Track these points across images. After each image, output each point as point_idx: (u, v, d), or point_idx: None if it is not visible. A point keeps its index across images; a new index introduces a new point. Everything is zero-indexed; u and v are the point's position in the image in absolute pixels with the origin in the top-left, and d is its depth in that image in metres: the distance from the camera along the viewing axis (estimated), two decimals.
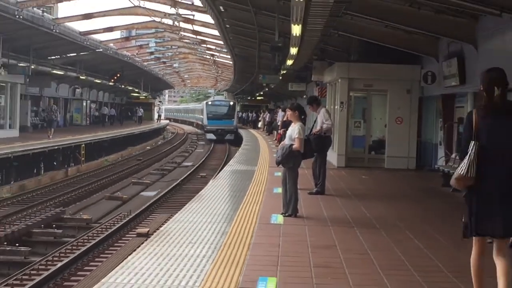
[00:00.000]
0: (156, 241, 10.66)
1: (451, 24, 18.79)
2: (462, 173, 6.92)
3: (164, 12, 41.33)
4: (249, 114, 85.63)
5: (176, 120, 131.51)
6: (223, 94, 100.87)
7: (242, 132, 65.02)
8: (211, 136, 74.06)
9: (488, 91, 7.08)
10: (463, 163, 6.95)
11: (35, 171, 34.42)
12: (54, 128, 40.71)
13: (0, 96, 41.23)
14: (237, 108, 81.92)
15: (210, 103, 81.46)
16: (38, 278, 14.64)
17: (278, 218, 13.01)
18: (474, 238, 7.06)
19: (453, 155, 20.02)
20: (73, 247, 17.90)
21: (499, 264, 6.83)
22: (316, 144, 16.01)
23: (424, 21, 19.37)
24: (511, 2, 14.54)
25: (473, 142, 6.93)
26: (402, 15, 19.33)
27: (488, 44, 17.57)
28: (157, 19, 44.54)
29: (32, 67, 44.55)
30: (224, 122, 73.94)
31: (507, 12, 14.94)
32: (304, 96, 44.63)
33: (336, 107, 25.41)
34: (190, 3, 36.08)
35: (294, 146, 13.26)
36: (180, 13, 39.83)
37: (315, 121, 17.48)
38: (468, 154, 6.90)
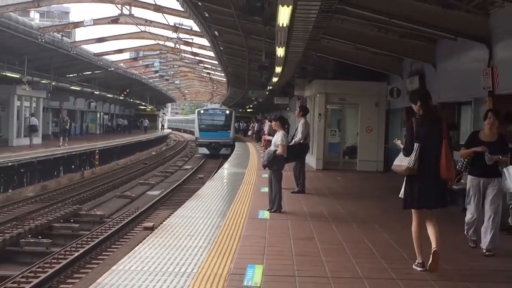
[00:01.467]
0: (159, 234, 10.67)
1: (413, 47, 18.85)
2: (410, 165, 8.31)
3: (167, 36, 41.30)
4: (240, 124, 76.85)
5: (178, 130, 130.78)
6: (219, 103, 76.09)
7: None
8: (203, 150, 54.00)
9: (424, 105, 8.57)
10: (410, 158, 8.33)
11: (55, 173, 34.31)
12: (66, 136, 40.41)
13: (25, 109, 41.07)
14: (234, 118, 58.66)
15: (202, 111, 57.97)
16: (57, 266, 14.62)
17: (264, 214, 13.02)
18: (414, 212, 8.59)
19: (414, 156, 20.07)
20: (88, 239, 17.87)
21: (430, 228, 8.44)
22: (296, 150, 16.17)
23: (391, 44, 19.41)
24: (464, 29, 14.61)
25: (417, 144, 8.29)
26: (371, 39, 19.38)
27: (445, 64, 17.61)
28: (161, 42, 44.50)
29: (53, 83, 44.56)
30: (219, 134, 53.08)
31: (461, 37, 15.01)
32: (288, 109, 44.67)
33: (314, 117, 25.46)
34: (189, 28, 36.04)
35: (277, 152, 13.33)
36: (181, 37, 39.90)
37: (296, 129, 17.52)
38: (414, 152, 8.29)
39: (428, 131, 8.37)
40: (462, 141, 17.36)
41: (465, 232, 9.95)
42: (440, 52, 17.88)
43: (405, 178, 8.61)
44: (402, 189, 8.69)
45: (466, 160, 9.43)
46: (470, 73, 15.27)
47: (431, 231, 8.41)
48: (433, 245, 8.19)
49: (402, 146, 8.68)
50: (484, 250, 9.41)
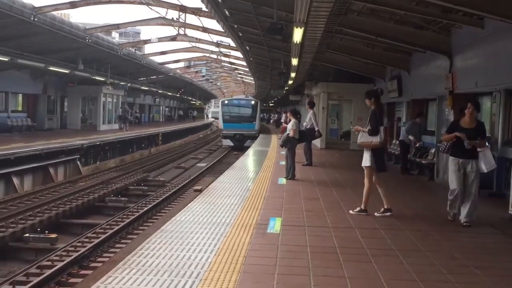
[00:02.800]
0: (206, 195, 10.74)
1: (393, 58, 18.71)
2: (380, 141, 8.99)
3: (211, 50, 41.28)
4: (265, 115, 76.00)
5: (217, 119, 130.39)
6: (245, 94, 63.46)
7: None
8: (227, 142, 39.26)
9: (376, 100, 9.25)
10: (379, 137, 8.98)
11: (130, 150, 34.63)
12: (127, 123, 40.29)
13: (109, 103, 41.50)
14: (259, 108, 42.88)
15: (227, 102, 42.68)
16: (132, 217, 14.81)
17: (282, 180, 13.04)
18: (369, 171, 9.12)
19: (394, 141, 19.99)
20: (154, 199, 18.04)
21: (380, 188, 9.11)
22: (307, 134, 16.24)
23: (376, 56, 19.30)
24: (431, 44, 14.47)
25: (382, 127, 9.13)
26: (362, 52, 19.26)
27: (416, 70, 17.50)
28: (207, 55, 44.48)
29: (128, 84, 44.90)
30: (244, 126, 38.60)
31: (429, 50, 14.88)
32: (300, 104, 44.51)
33: (320, 109, 25.47)
34: (228, 44, 35.98)
35: (290, 134, 13.47)
36: (221, 51, 39.87)
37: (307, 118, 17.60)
38: (380, 132, 9.01)
39: (383, 119, 9.45)
40: (430, 127, 17.30)
41: (448, 208, 8.77)
42: (413, 62, 17.75)
43: (371, 151, 9.06)
44: (367, 161, 9.11)
45: (448, 143, 8.68)
46: (435, 77, 15.17)
47: (381, 190, 9.14)
48: (386, 203, 9.09)
49: (362, 130, 9.26)
50: (462, 221, 8.45)
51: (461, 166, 8.47)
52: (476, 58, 12.52)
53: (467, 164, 8.45)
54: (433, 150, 14.83)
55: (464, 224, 8.40)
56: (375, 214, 9.09)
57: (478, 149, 8.48)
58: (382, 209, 9.11)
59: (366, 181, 9.16)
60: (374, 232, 7.91)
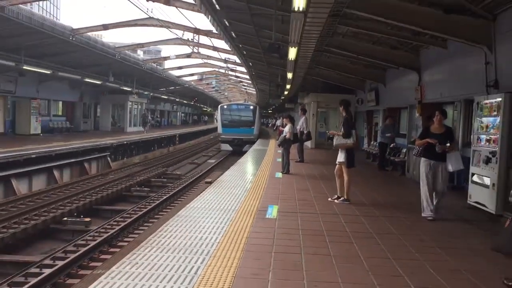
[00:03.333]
0: (214, 186, 10.73)
1: (372, 73, 18.69)
2: (353, 142, 9.13)
3: (220, 66, 41.19)
4: (264, 120, 75.95)
5: None
6: (244, 99, 57.44)
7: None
8: (226, 146, 33.97)
9: (346, 108, 9.46)
10: (352, 139, 9.12)
11: (152, 148, 34.64)
12: (146, 126, 40.07)
13: (134, 109, 41.51)
14: (258, 113, 36.40)
15: (225, 107, 36.74)
16: (153, 204, 14.81)
17: (279, 174, 13.02)
18: (349, 170, 9.18)
19: (372, 142, 19.97)
20: (172, 189, 18.05)
21: (346, 180, 9.15)
22: (299, 136, 16.23)
23: (357, 71, 19.27)
24: (403, 62, 14.49)
25: (353, 130, 9.24)
26: (346, 67, 19.22)
27: (391, 84, 17.49)
28: (217, 69, 44.44)
29: (151, 94, 44.82)
30: (243, 130, 33.66)
31: (402, 67, 14.89)
32: (294, 111, 44.45)
33: (311, 116, 25.43)
34: (234, 61, 35.90)
35: (286, 136, 13.45)
36: (229, 66, 39.82)
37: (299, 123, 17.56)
38: (352, 135, 9.14)
39: (354, 123, 9.68)
40: (402, 131, 17.29)
41: (422, 210, 8.12)
42: (388, 76, 17.74)
43: (345, 150, 9.19)
44: (341, 158, 9.21)
45: (420, 148, 8.15)
46: (406, 89, 15.16)
47: (346, 180, 9.19)
48: (346, 193, 9.21)
49: (337, 133, 9.35)
50: (429, 218, 7.96)
51: (432, 167, 8.07)
52: (440, 73, 12.53)
53: (437, 166, 8.06)
54: (404, 150, 14.82)
55: (429, 219, 7.94)
56: (331, 199, 9.29)
57: (447, 151, 8.11)
58: (342, 198, 9.21)
59: (345, 175, 9.18)
60: (355, 218, 7.90)
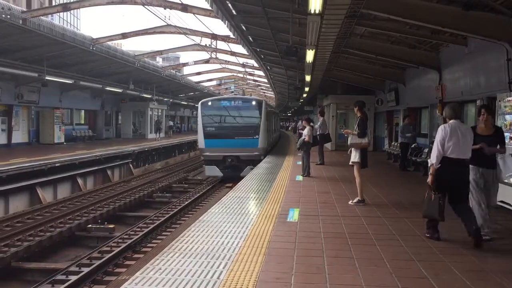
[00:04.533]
0: (235, 190, 10.72)
1: (391, 73, 18.55)
2: (367, 141, 8.99)
3: (238, 70, 41.43)
4: (284, 123, 74.78)
5: None
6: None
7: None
8: (212, 170, 19.75)
9: (360, 109, 9.22)
10: (367, 138, 8.98)
11: (173, 154, 34.89)
12: (160, 134, 40.07)
13: (156, 115, 41.92)
14: (266, 113, 20.59)
15: (210, 103, 20.53)
16: (175, 210, 14.90)
17: (299, 177, 12.98)
18: (358, 166, 9.09)
19: (393, 143, 19.77)
20: (193, 194, 18.13)
21: (357, 179, 9.08)
22: (319, 138, 16.18)
23: (376, 72, 19.15)
24: (423, 61, 14.35)
25: (368, 130, 9.14)
26: (364, 68, 19.13)
27: (411, 83, 17.32)
28: (235, 74, 44.64)
29: (171, 100, 45.19)
30: (240, 142, 19.14)
31: (422, 66, 14.74)
32: (313, 113, 44.33)
33: (330, 117, 25.33)
34: (252, 65, 36.03)
35: (305, 139, 13.40)
36: (247, 70, 39.96)
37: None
38: (368, 135, 9.01)
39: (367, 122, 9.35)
40: (423, 130, 17.08)
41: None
42: (408, 76, 17.57)
43: (359, 150, 9.04)
44: (356, 158, 9.10)
45: None
46: (427, 88, 15.00)
47: (359, 184, 9.11)
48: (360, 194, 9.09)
49: (352, 132, 9.20)
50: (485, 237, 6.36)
51: (482, 176, 6.54)
52: (461, 72, 12.36)
53: (487, 173, 6.54)
54: (426, 150, 14.64)
55: (486, 238, 6.36)
56: (349, 203, 9.12)
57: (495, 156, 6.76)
58: (356, 199, 9.11)
59: (357, 175, 9.11)
60: (377, 219, 7.83)
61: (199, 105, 20.59)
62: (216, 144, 19.44)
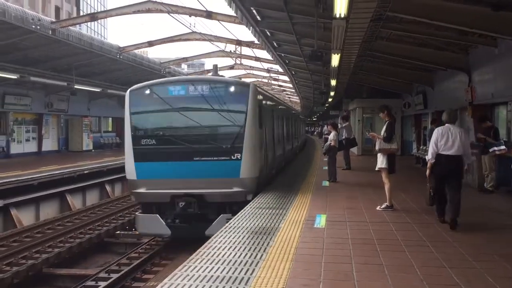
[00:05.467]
0: (261, 196, 10.61)
1: (418, 76, 18.32)
2: (396, 147, 8.88)
3: (263, 75, 41.56)
4: (309, 128, 72.65)
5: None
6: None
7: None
8: (150, 225, 9.76)
9: (389, 113, 9.13)
10: (396, 144, 8.88)
11: None
12: None
13: None
14: (258, 108, 10.19)
15: (147, 92, 10.23)
16: None
17: (326, 183, 12.92)
18: (386, 172, 8.94)
19: (421, 147, 19.47)
20: None
21: (386, 184, 8.93)
22: (344, 143, 16.10)
23: (403, 74, 18.95)
24: (452, 63, 14.15)
25: (394, 134, 8.91)
26: (390, 71, 18.94)
27: (439, 86, 17.07)
28: (260, 79, 44.79)
29: None
30: (206, 168, 9.36)
31: (450, 68, 14.53)
32: (339, 118, 44.06)
33: (356, 122, 25.15)
34: (276, 70, 36.10)
35: (331, 144, 13.36)
36: (271, 76, 40.03)
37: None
38: (395, 140, 8.88)
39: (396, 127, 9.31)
40: None
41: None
42: (436, 78, 17.32)
43: (387, 156, 8.90)
44: (383, 163, 8.95)
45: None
46: (456, 91, 14.76)
47: (388, 190, 8.98)
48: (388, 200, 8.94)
49: (377, 136, 9.07)
50: None
51: None
52: (491, 73, 12.12)
53: None
54: None
55: None
56: (377, 208, 8.98)
57: None
58: (385, 205, 8.97)
59: (386, 181, 8.99)
60: (406, 225, 7.71)
61: (126, 95, 10.98)
62: (156, 172, 10.19)
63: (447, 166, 7.27)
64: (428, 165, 7.52)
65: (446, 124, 7.48)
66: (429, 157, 7.48)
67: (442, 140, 7.30)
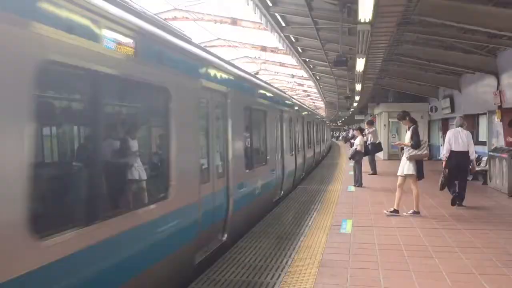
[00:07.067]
0: (286, 201, 10.70)
1: (445, 79, 18.02)
2: (426, 152, 8.85)
3: (287, 81, 41.58)
4: (334, 133, 72.45)
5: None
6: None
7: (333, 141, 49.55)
8: None
9: (411, 119, 9.29)
10: (425, 149, 8.80)
11: None
12: None
13: None
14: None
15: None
16: None
17: (351, 188, 12.83)
18: (414, 178, 8.79)
19: None
20: None
21: (414, 190, 8.89)
22: (370, 148, 15.96)
23: (430, 78, 18.65)
24: (480, 66, 13.86)
25: (422, 140, 8.91)
26: (416, 75, 18.68)
27: (467, 89, 16.75)
28: (284, 85, 44.81)
29: None
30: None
31: (478, 71, 14.26)
32: (364, 122, 43.71)
33: (382, 126, 24.88)
34: (301, 76, 36.05)
35: (357, 149, 13.24)
36: (296, 81, 39.99)
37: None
38: (424, 145, 8.81)
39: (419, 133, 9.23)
40: (481, 138, 16.45)
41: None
42: (463, 82, 17.00)
43: (414, 161, 8.75)
44: (410, 169, 8.72)
45: None
46: (484, 94, 14.47)
47: (416, 195, 8.97)
48: (416, 206, 8.99)
49: (405, 144, 8.96)
50: None
51: None
52: None
53: None
54: (485, 159, 14.08)
55: None
56: (404, 213, 8.85)
57: None
58: (412, 211, 8.88)
59: (414, 187, 8.82)
60: (434, 231, 7.58)
61: None
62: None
63: (457, 159, 9.26)
64: (444, 158, 9.51)
65: (457, 128, 9.49)
66: (444, 153, 9.51)
67: (453, 140, 9.33)
